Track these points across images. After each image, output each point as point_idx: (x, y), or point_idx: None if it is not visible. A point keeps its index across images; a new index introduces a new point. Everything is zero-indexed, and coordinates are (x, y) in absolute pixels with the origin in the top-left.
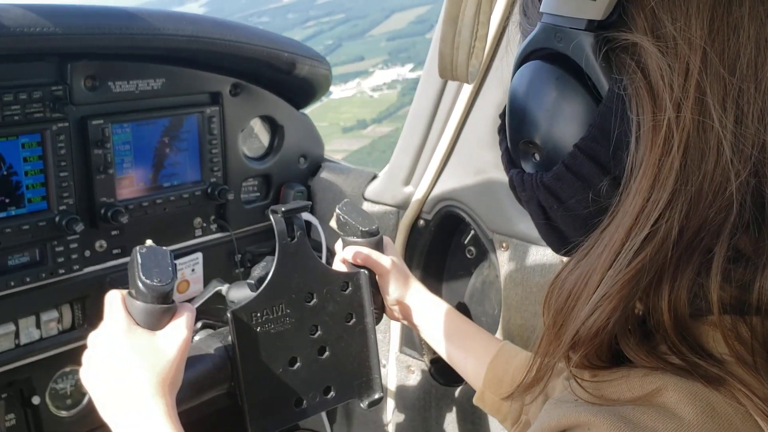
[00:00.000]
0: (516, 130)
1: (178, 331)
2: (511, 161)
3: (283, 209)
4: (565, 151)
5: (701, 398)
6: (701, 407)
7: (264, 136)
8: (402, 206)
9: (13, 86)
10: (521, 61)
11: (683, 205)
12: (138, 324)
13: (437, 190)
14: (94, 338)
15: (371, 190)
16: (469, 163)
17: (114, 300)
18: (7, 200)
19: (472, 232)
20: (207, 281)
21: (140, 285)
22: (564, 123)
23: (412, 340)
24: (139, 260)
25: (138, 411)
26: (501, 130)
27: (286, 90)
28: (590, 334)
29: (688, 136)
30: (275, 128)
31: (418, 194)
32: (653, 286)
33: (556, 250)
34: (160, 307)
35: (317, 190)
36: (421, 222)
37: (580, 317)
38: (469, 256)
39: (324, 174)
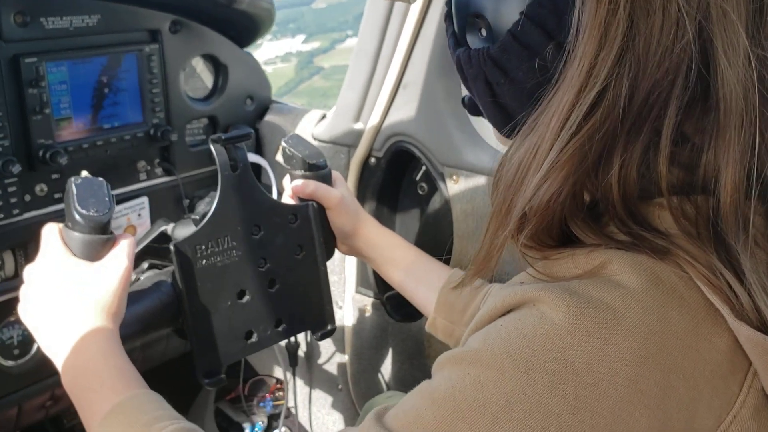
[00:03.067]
0: (463, 6)
1: (118, 260)
2: (457, 43)
3: (223, 137)
4: (511, 20)
5: (646, 268)
6: (646, 276)
7: (207, 77)
8: (352, 144)
9: None
10: None
11: (631, 64)
12: (75, 255)
13: (387, 126)
14: (29, 271)
15: (320, 129)
16: (417, 96)
17: (50, 232)
18: None
19: (423, 167)
20: (155, 222)
21: (76, 215)
22: None
23: (367, 280)
24: (74, 191)
25: (80, 342)
26: (447, 16)
27: (228, 26)
28: (541, 205)
29: None
30: (218, 67)
31: (368, 131)
32: (603, 159)
33: (501, 129)
34: (99, 238)
35: (265, 133)
36: (372, 160)
37: (531, 188)
38: (420, 192)
39: (271, 116)
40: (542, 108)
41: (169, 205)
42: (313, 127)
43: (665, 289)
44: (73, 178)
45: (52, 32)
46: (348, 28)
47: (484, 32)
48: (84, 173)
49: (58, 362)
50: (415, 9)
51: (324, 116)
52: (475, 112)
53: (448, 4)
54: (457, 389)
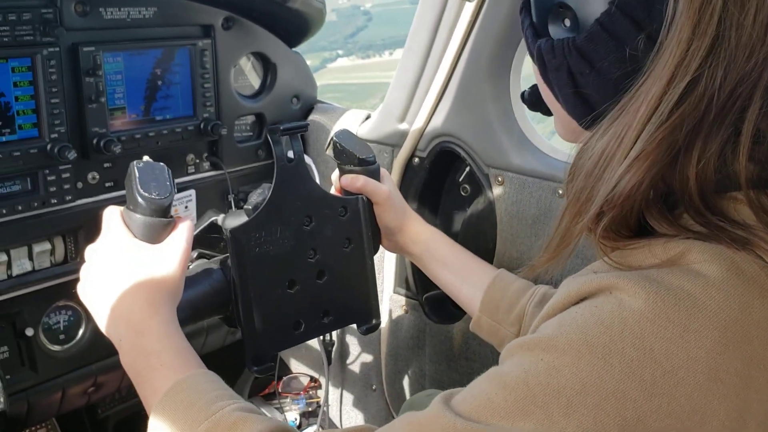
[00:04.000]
0: None
1: (178, 242)
2: (536, 34)
3: (281, 128)
4: (599, 10)
5: (726, 257)
6: (726, 265)
7: (254, 77)
8: (397, 144)
9: (1, 7)
10: None
11: (723, 55)
12: (136, 237)
13: (432, 126)
14: (91, 251)
15: (365, 129)
16: (465, 97)
17: (112, 214)
18: None
19: (467, 169)
20: (205, 212)
21: (138, 198)
22: None
23: (405, 280)
24: (137, 174)
25: (140, 322)
26: (523, 8)
27: (279, 25)
28: (623, 194)
29: None
30: (268, 66)
31: (413, 131)
32: (683, 151)
33: (581, 120)
34: (159, 221)
35: (311, 132)
36: (416, 160)
37: (615, 177)
38: (463, 194)
39: (317, 115)
40: (629, 97)
41: (214, 198)
42: (357, 127)
43: (746, 279)
44: (135, 162)
45: (109, 22)
46: (338, 48)
47: (568, 22)
48: (146, 158)
49: (118, 341)
50: (468, 10)
51: (368, 116)
52: (536, 107)
53: None
54: (530, 374)
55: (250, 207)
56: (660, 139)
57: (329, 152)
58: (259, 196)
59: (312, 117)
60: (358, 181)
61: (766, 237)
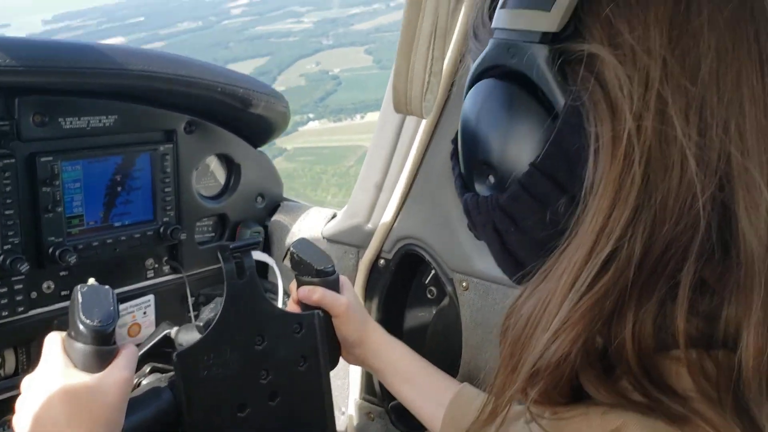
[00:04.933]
0: (470, 152)
1: (118, 372)
2: (464, 186)
3: (231, 246)
4: (520, 171)
5: None
6: None
7: (220, 174)
8: (362, 245)
9: None
10: (473, 81)
11: (647, 222)
12: (76, 366)
13: (397, 229)
14: (28, 382)
15: (330, 229)
16: (428, 200)
17: (52, 342)
18: None
19: (433, 271)
20: (159, 325)
21: (80, 325)
22: (519, 141)
23: (372, 387)
24: (80, 299)
25: None
26: (453, 155)
27: (243, 127)
28: (551, 365)
29: (650, 149)
30: (231, 166)
31: (378, 233)
32: (616, 314)
33: (511, 277)
34: (100, 349)
35: (275, 230)
36: (381, 262)
37: (539, 347)
38: (429, 296)
39: (282, 214)
40: (553, 260)
41: (174, 302)
42: (323, 226)
43: None
44: (79, 286)
45: (69, 132)
46: (309, 111)
47: (492, 179)
48: (91, 280)
49: None
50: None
51: (334, 215)
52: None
53: (455, 141)
54: None
55: (201, 324)
56: (585, 309)
57: (286, 263)
58: (211, 311)
59: (276, 217)
60: (315, 294)
61: (706, 412)
